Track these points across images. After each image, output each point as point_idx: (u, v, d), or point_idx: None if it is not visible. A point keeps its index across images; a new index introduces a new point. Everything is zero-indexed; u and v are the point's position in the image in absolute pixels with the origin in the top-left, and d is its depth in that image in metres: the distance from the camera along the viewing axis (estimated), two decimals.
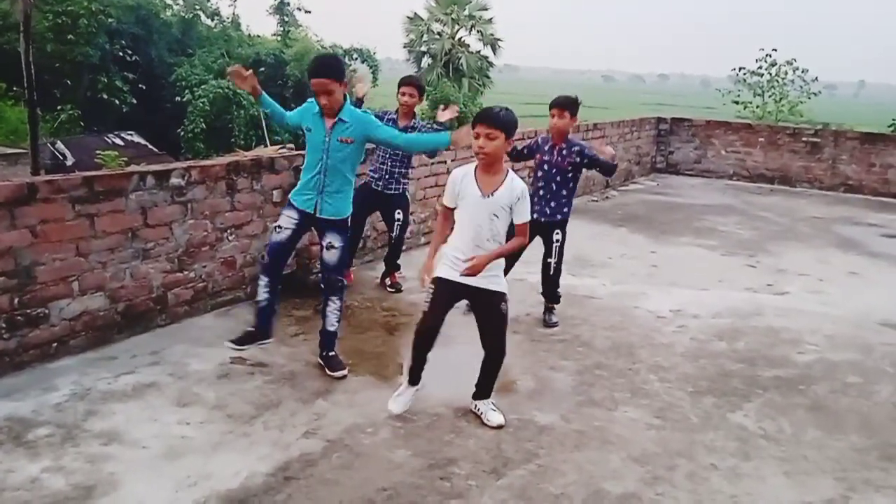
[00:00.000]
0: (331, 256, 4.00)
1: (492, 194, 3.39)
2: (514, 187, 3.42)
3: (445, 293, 3.51)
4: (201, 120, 24.97)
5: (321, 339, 4.15)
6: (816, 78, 23.17)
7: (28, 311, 3.92)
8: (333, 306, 4.09)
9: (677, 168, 12.50)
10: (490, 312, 3.54)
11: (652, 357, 4.58)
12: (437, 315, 3.52)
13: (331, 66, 3.85)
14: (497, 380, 3.69)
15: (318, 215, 3.95)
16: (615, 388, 4.13)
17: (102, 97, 24.88)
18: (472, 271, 3.37)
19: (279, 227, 4.02)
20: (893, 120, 21.39)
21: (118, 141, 22.43)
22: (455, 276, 3.45)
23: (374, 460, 3.28)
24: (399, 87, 5.34)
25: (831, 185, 11.30)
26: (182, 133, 25.11)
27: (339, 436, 3.46)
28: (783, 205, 10.11)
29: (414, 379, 3.70)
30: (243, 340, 4.16)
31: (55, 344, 4.06)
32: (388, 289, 5.61)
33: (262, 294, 4.09)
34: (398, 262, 5.66)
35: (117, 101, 25.19)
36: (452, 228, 3.53)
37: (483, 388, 3.69)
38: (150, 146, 23.40)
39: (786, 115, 22.29)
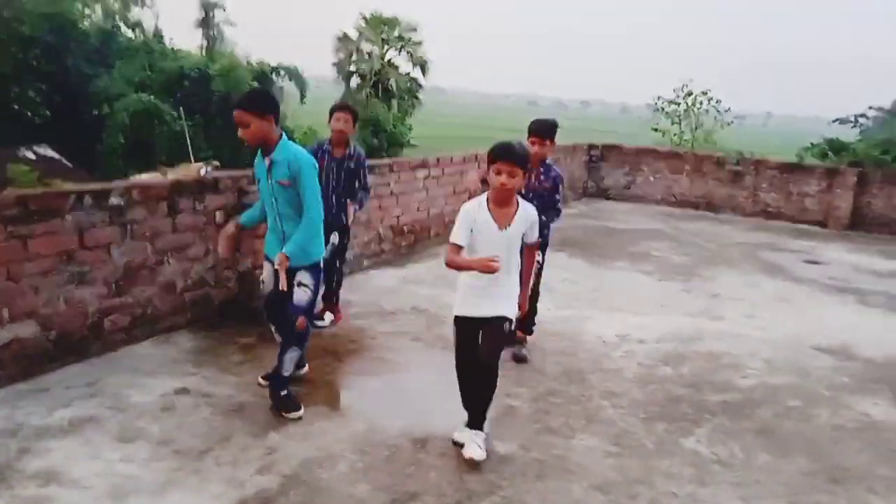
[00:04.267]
0: (301, 295, 3.79)
1: (509, 227, 3.39)
2: (528, 215, 3.46)
3: (466, 330, 3.51)
4: (121, 135, 24.08)
5: (272, 381, 3.92)
6: (729, 108, 24.32)
7: None
8: (292, 355, 3.86)
9: (608, 193, 12.82)
10: (493, 330, 3.46)
11: (603, 383, 4.62)
12: (465, 351, 3.53)
13: (251, 98, 3.70)
14: (485, 407, 3.56)
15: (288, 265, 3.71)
16: (570, 415, 4.13)
17: (13, 108, 23.65)
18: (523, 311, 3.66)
19: (262, 280, 4.00)
20: (800, 150, 22.64)
21: (30, 155, 21.36)
22: (472, 312, 3.46)
23: (335, 496, 3.16)
24: (331, 113, 5.04)
25: (753, 212, 11.82)
26: (101, 148, 24.11)
27: (295, 471, 3.33)
28: (710, 230, 10.50)
29: (474, 422, 3.60)
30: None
31: None
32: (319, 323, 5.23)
33: (277, 338, 4.03)
34: (339, 293, 5.38)
35: (29, 113, 23.99)
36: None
37: (474, 417, 3.57)
38: (65, 161, 22.37)
39: (701, 143, 23.26)
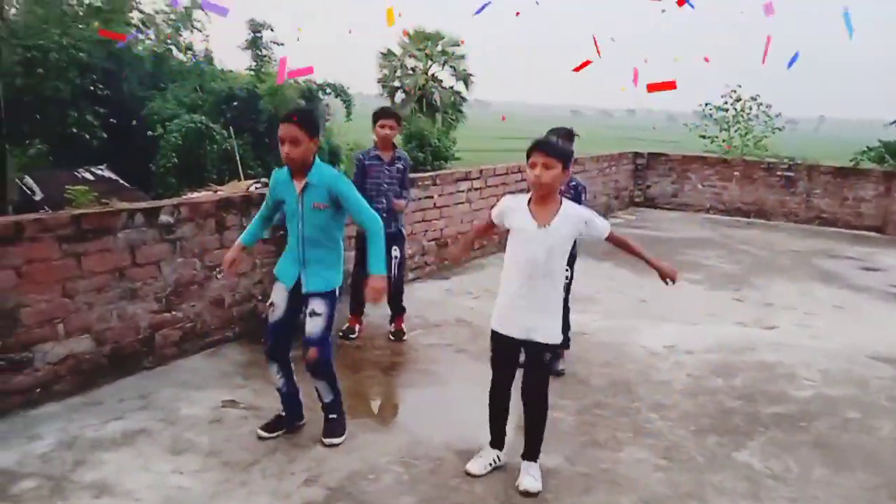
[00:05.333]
0: (313, 325, 3.53)
1: (548, 225, 3.22)
2: (576, 213, 3.29)
3: (502, 347, 3.36)
4: (173, 154, 24.68)
5: (321, 404, 3.75)
6: (780, 113, 23.77)
7: (11, 355, 3.76)
8: (320, 384, 3.67)
9: (654, 202, 12.63)
10: (533, 362, 3.33)
11: (651, 395, 4.54)
12: (501, 372, 3.39)
13: (305, 117, 3.54)
14: (540, 436, 3.43)
15: (303, 290, 3.57)
16: (618, 427, 4.06)
17: (72, 132, 24.50)
18: (672, 274, 3.60)
19: (272, 304, 3.63)
20: (856, 154, 21.98)
21: (88, 175, 22.07)
22: (506, 329, 3.30)
23: None
24: (376, 119, 5.15)
25: (806, 219, 11.50)
26: (154, 168, 24.80)
27: (340, 483, 3.34)
28: (761, 238, 10.24)
29: (494, 441, 3.52)
30: (274, 426, 3.74)
31: (39, 389, 3.90)
32: (391, 336, 5.32)
33: (277, 381, 3.71)
34: (403, 304, 5.42)
35: (88, 136, 24.81)
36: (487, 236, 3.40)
37: (527, 446, 3.44)
38: (121, 181, 23.06)
39: (751, 150, 22.78)
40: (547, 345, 3.29)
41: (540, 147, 3.21)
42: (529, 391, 3.37)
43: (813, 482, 3.57)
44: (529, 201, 3.30)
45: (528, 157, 3.23)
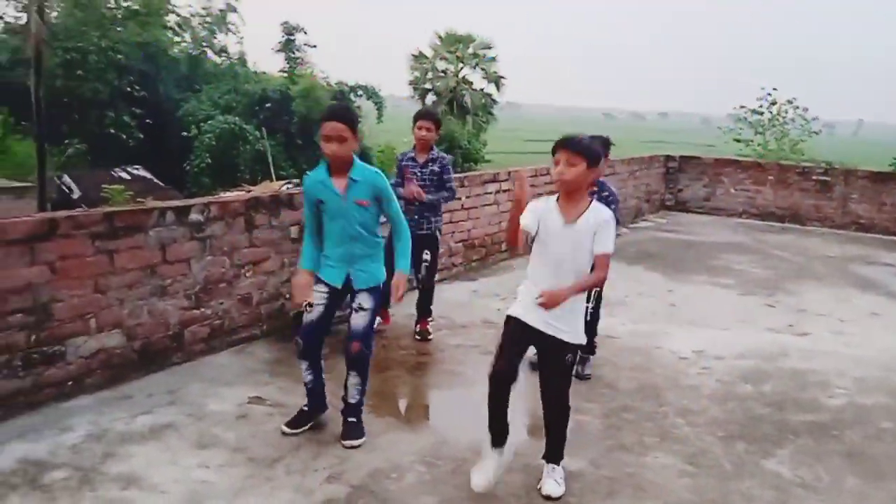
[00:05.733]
0: (360, 320, 3.60)
1: (575, 222, 3.14)
2: (599, 212, 3.17)
3: (517, 334, 3.20)
4: (207, 155, 25.06)
5: (343, 406, 3.76)
6: (817, 117, 23.33)
7: (44, 348, 3.84)
8: (353, 381, 3.67)
9: (686, 206, 12.48)
10: (555, 363, 3.26)
11: (679, 400, 4.48)
12: (508, 358, 3.16)
13: (347, 112, 3.58)
14: (562, 438, 3.36)
15: (354, 287, 3.61)
16: (644, 432, 4.02)
17: (110, 132, 25.03)
18: (550, 302, 3.01)
19: (309, 304, 3.58)
20: (895, 158, 21.48)
21: (124, 175, 22.51)
22: (528, 318, 3.19)
23: None
24: (415, 121, 5.15)
25: (842, 224, 11.26)
26: (188, 168, 25.20)
27: (363, 481, 3.35)
28: (796, 243, 10.06)
29: (496, 440, 3.23)
30: (299, 422, 3.74)
31: (71, 383, 3.97)
32: (416, 336, 5.32)
33: (307, 377, 3.73)
34: (431, 307, 5.42)
35: (124, 136, 25.34)
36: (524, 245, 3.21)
37: (549, 449, 3.37)
38: (156, 180, 23.47)
39: (787, 154, 22.40)
40: (570, 344, 3.23)
41: (563, 144, 3.15)
42: (551, 392, 3.31)
43: (844, 492, 3.49)
44: (557, 199, 3.24)
45: (553, 154, 3.18)
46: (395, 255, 3.66)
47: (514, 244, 3.23)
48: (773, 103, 23.63)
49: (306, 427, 3.76)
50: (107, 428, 3.68)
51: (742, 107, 24.21)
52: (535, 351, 4.24)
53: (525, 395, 3.75)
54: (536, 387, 3.38)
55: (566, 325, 3.19)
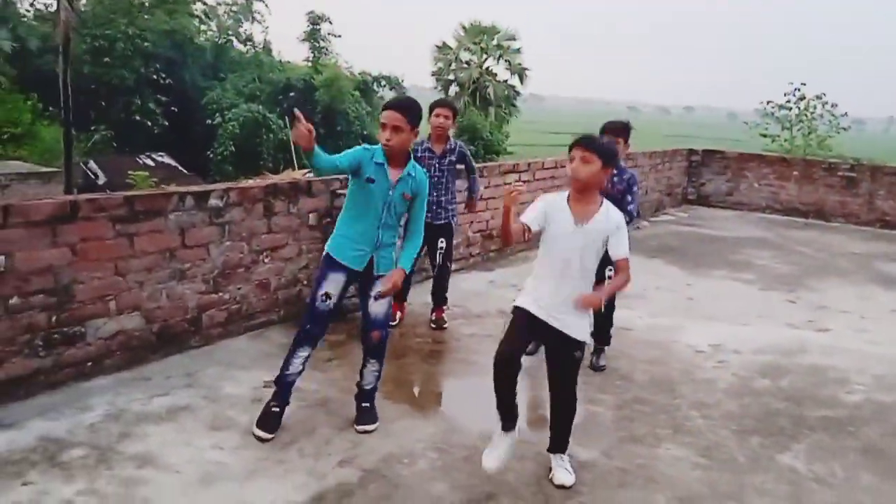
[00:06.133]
0: (380, 308, 3.62)
1: (586, 223, 3.12)
2: (611, 217, 3.16)
3: (524, 323, 3.20)
4: (231, 143, 25.24)
5: (358, 391, 3.81)
6: (846, 113, 22.94)
7: (65, 329, 3.90)
8: (372, 368, 3.74)
9: (708, 200, 12.36)
10: (564, 358, 3.26)
11: (693, 393, 4.45)
12: (513, 343, 3.16)
13: (409, 106, 3.51)
14: (567, 431, 3.37)
15: (375, 272, 3.57)
16: (657, 424, 4.00)
17: (135, 119, 25.30)
18: (587, 304, 3.10)
19: (326, 294, 3.53)
20: None
21: (149, 162, 22.75)
22: (537, 311, 3.17)
23: (412, 493, 3.18)
24: (431, 109, 5.12)
25: (868, 221, 11.09)
26: (211, 155, 25.40)
27: (375, 466, 3.37)
28: (820, 240, 9.92)
29: (506, 424, 3.28)
30: (273, 426, 3.58)
31: (90, 363, 4.03)
32: (431, 325, 5.35)
33: (298, 367, 3.63)
34: (446, 295, 5.42)
35: (150, 123, 25.60)
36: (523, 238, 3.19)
37: (556, 441, 3.38)
38: (180, 168, 23.69)
39: (814, 150, 22.07)
40: (576, 340, 3.21)
41: (579, 142, 3.14)
42: (558, 386, 3.30)
43: (859, 488, 3.45)
44: (568, 198, 3.20)
45: (569, 151, 3.17)
46: (402, 249, 3.65)
47: (508, 243, 3.32)
48: (802, 98, 23.27)
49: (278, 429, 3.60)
50: (124, 408, 3.74)
51: (769, 102, 23.87)
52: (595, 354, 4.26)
53: (531, 386, 3.75)
54: (543, 378, 3.39)
55: (573, 321, 3.18)
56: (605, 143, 3.17)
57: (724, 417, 4.13)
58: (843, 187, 11.35)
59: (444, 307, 5.43)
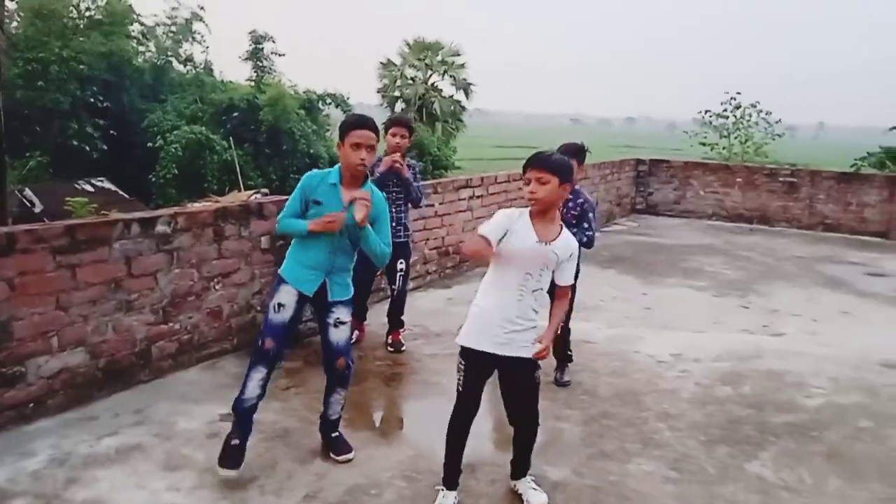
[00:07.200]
0: (341, 335, 3.48)
1: (549, 242, 3.02)
2: (571, 243, 3.09)
3: (476, 366, 3.11)
4: (173, 165, 24.62)
5: (322, 422, 3.66)
6: (779, 120, 23.73)
7: (3, 369, 3.67)
8: (338, 397, 3.59)
9: (657, 209, 12.56)
10: (523, 382, 3.16)
11: (658, 404, 4.44)
12: (471, 394, 3.11)
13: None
14: (531, 451, 3.31)
15: (329, 298, 3.43)
16: (625, 438, 3.96)
17: (72, 143, 24.46)
18: (548, 352, 3.07)
19: (280, 304, 3.39)
20: (856, 160, 21.94)
21: (88, 187, 22.01)
22: (491, 347, 3.05)
23: None
24: (388, 127, 4.98)
25: (809, 225, 11.41)
26: (154, 179, 24.75)
27: (341, 499, 3.25)
28: (765, 244, 10.15)
29: (451, 481, 3.21)
30: (236, 460, 3.36)
31: (32, 405, 3.80)
32: (388, 348, 5.23)
33: (256, 390, 3.40)
34: (402, 318, 5.31)
35: (87, 148, 24.77)
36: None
37: (520, 466, 3.31)
38: (121, 192, 23.00)
39: (752, 156, 22.72)
40: (534, 362, 3.12)
41: (532, 162, 3.01)
42: (522, 411, 3.21)
43: (827, 494, 3.47)
44: (531, 215, 3.07)
45: (524, 173, 3.04)
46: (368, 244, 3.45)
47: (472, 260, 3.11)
48: (738, 107, 23.98)
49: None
50: (70, 451, 3.52)
51: (707, 111, 24.54)
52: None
53: (488, 404, 3.67)
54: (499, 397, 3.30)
55: (524, 341, 3.07)
56: (558, 159, 3.03)
57: (690, 428, 4.12)
58: (784, 192, 11.66)
59: (402, 329, 5.32)
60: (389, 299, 5.34)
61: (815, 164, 19.48)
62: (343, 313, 3.48)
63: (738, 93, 23.84)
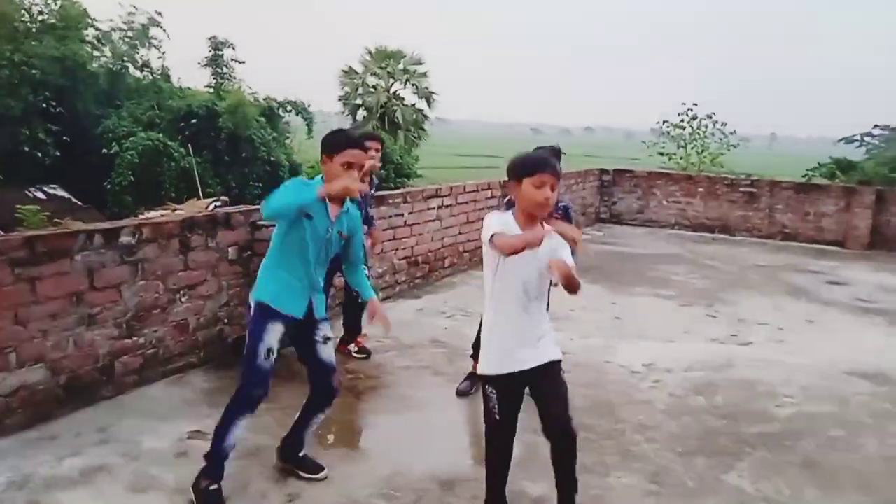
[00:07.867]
0: (331, 351, 3.38)
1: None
2: (555, 245, 2.91)
3: (508, 390, 2.98)
4: (129, 172, 24.04)
5: (293, 442, 3.49)
6: (734, 131, 24.28)
7: None
8: (322, 416, 3.46)
9: (621, 218, 12.68)
10: (557, 384, 2.99)
11: (634, 416, 4.43)
12: (509, 420, 3.00)
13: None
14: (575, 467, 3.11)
15: (314, 316, 3.30)
16: (604, 451, 3.93)
17: (24, 149, 23.76)
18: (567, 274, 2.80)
19: (270, 350, 3.17)
20: (808, 171, 22.53)
21: (40, 195, 21.36)
22: (519, 366, 2.93)
23: None
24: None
25: (770, 234, 11.64)
26: (109, 186, 24.16)
27: None
28: (727, 253, 10.31)
29: None
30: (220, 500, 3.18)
31: None
32: (356, 355, 5.17)
33: (236, 434, 3.21)
34: (360, 324, 5.22)
35: (40, 154, 24.06)
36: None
37: (567, 487, 3.09)
38: (75, 200, 22.39)
39: (708, 166, 23.19)
40: (559, 360, 3.03)
41: (550, 167, 2.87)
42: (563, 415, 3.01)
43: None
44: (515, 219, 2.97)
45: (533, 174, 2.83)
46: (356, 286, 3.51)
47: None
48: (694, 118, 24.48)
49: None
50: (30, 473, 3.35)
51: (665, 122, 25.00)
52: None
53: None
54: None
55: (550, 342, 3.01)
56: (556, 163, 2.96)
57: (667, 440, 4.11)
58: (745, 202, 11.88)
59: (362, 334, 5.30)
60: (348, 305, 5.26)
61: (770, 174, 19.96)
62: (328, 329, 3.38)
63: (695, 104, 24.34)
